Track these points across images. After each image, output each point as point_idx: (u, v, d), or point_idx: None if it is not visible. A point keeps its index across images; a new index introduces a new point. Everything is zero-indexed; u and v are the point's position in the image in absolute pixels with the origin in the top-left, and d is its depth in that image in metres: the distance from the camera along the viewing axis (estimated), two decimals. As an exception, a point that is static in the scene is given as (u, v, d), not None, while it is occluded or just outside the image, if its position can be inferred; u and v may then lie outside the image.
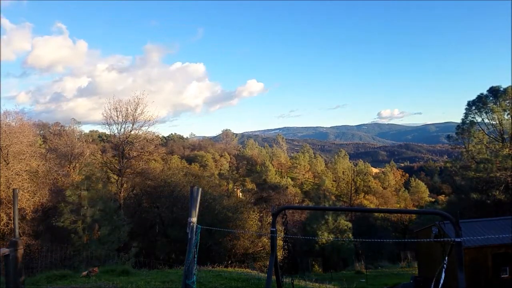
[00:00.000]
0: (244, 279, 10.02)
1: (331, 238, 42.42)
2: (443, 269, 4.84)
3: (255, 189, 74.56)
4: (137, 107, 34.22)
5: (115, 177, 35.34)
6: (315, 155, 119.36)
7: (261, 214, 38.39)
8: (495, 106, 41.51)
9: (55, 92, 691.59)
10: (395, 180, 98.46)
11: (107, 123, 34.53)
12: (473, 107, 43.88)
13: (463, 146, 44.78)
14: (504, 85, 42.95)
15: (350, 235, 45.26)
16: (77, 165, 37.06)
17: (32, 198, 25.95)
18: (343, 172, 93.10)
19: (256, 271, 16.05)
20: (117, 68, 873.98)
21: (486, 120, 43.61)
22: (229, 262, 29.55)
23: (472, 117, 44.06)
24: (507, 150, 39.75)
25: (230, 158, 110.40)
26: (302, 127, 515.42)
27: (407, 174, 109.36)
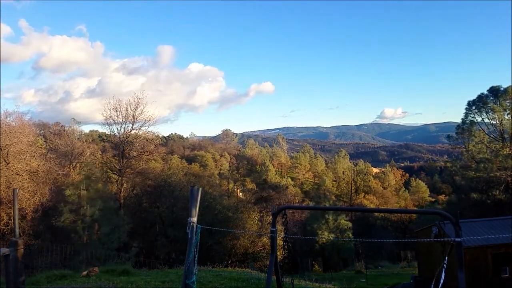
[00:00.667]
0: (244, 279, 10.02)
1: (331, 238, 42.42)
2: (443, 269, 4.84)
3: (255, 189, 74.53)
4: (137, 107, 34.27)
5: (115, 177, 35.35)
6: (315, 155, 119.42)
7: (261, 214, 38.42)
8: (495, 105, 41.52)
9: (65, 91, 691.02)
10: (395, 180, 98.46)
11: (107, 123, 34.60)
12: (473, 107, 43.90)
13: (463, 146, 44.80)
14: (504, 85, 42.96)
15: (350, 234, 45.29)
16: (77, 165, 37.10)
17: (32, 198, 25.94)
18: (343, 172, 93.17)
19: (256, 271, 16.05)
20: (128, 70, 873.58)
21: (486, 120, 43.65)
22: (229, 262, 29.60)
23: (472, 117, 44.08)
24: (507, 149, 39.75)
25: (230, 158, 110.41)
26: (302, 127, 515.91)
27: (407, 174, 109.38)
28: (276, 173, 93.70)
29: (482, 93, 43.32)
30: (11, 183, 25.13)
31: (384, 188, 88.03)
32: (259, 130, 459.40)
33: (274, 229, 5.95)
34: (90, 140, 56.41)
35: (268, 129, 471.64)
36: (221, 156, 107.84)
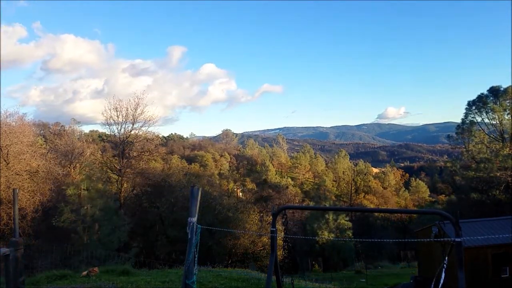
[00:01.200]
0: (244, 279, 10.01)
1: (331, 238, 42.41)
2: (443, 269, 4.84)
3: (255, 189, 74.54)
4: (137, 107, 34.25)
5: (115, 177, 35.34)
6: (315, 155, 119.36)
7: (261, 214, 38.41)
8: (495, 105, 41.53)
9: (74, 91, 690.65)
10: (395, 180, 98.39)
11: (107, 123, 34.57)
12: (473, 107, 43.91)
13: (463, 146, 44.82)
14: (504, 85, 43.12)
15: (350, 234, 45.29)
16: (77, 165, 37.06)
17: (32, 198, 25.93)
18: (343, 172, 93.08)
19: (256, 271, 16.04)
20: (137, 71, 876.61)
21: (486, 120, 43.70)
22: (229, 262, 29.60)
23: (472, 117, 44.10)
24: (507, 149, 39.75)
25: (230, 158, 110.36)
26: (302, 127, 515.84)
27: (407, 174, 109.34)
28: (276, 173, 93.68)
29: (482, 93, 43.35)
30: (11, 183, 25.12)
31: (384, 188, 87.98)
32: (259, 130, 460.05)
33: (274, 229, 5.95)
34: (90, 140, 56.45)
35: (268, 129, 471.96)
36: (221, 156, 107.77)
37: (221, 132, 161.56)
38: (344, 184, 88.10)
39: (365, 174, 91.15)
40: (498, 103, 41.59)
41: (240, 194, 69.26)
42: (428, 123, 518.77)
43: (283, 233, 6.30)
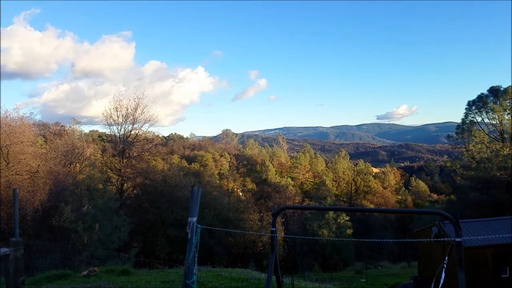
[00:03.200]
0: (244, 279, 10.01)
1: (331, 238, 42.41)
2: (443, 269, 4.84)
3: (255, 189, 74.53)
4: (137, 107, 34.25)
5: (115, 177, 35.34)
6: (315, 155, 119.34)
7: (261, 214, 38.43)
8: (495, 105, 41.56)
9: (102, 92, 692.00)
10: (395, 180, 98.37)
11: (107, 123, 34.57)
12: (473, 107, 43.93)
13: (463, 146, 44.83)
14: (504, 85, 43.20)
15: (350, 234, 45.30)
16: (77, 165, 37.05)
17: (32, 198, 25.90)
18: (343, 172, 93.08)
19: (256, 271, 16.03)
20: (162, 75, 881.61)
21: (486, 120, 43.74)
22: (230, 262, 29.60)
23: (472, 117, 44.12)
24: (507, 149, 39.76)
25: (230, 158, 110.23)
26: (302, 127, 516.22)
27: (407, 174, 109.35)
28: (276, 173, 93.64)
29: (482, 93, 43.38)
30: (11, 183, 25.10)
31: (384, 188, 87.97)
32: (259, 130, 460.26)
33: (274, 229, 5.94)
34: (90, 140, 56.45)
35: (268, 129, 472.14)
36: (221, 156, 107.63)
37: (221, 132, 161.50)
38: (344, 184, 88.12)
39: (365, 174, 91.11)
40: (498, 103, 41.61)
41: (240, 194, 69.25)
42: (428, 123, 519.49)
43: (283, 233, 6.30)
